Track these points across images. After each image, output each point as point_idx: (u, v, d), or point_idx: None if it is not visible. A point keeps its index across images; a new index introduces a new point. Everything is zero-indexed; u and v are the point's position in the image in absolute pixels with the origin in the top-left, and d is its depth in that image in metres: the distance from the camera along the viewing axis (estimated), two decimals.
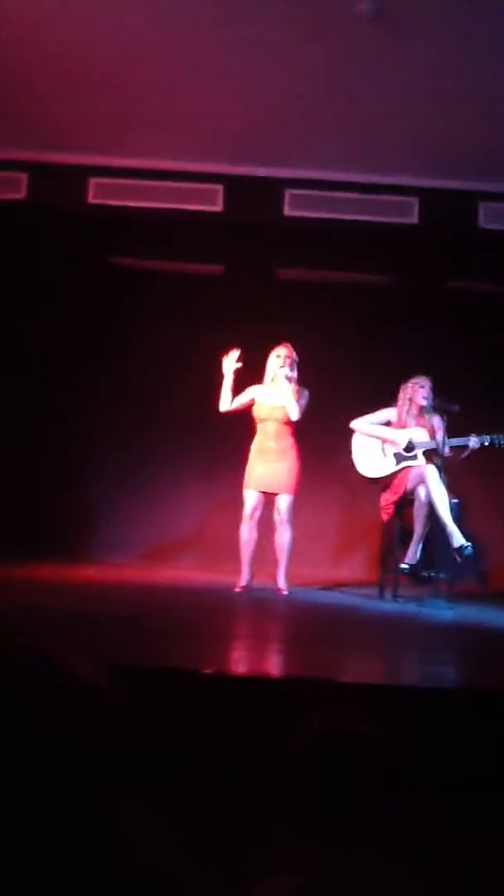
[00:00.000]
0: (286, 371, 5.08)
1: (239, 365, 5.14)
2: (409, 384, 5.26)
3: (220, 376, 5.15)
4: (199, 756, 2.30)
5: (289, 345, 5.18)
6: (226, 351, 5.15)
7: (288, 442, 5.11)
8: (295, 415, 5.03)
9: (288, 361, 5.11)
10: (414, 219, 5.84)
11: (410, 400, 5.24)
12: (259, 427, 5.15)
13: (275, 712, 2.28)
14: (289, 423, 5.09)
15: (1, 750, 0.89)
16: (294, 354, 5.16)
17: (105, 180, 5.73)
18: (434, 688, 2.75)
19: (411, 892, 0.98)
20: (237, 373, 5.14)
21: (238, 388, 5.17)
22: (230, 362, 5.14)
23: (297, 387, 5.07)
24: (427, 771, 2.16)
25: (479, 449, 5.00)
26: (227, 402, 5.16)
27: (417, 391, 5.22)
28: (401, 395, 5.29)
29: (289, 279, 6.67)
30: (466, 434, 5.01)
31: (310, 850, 1.04)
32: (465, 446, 5.00)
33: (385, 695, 2.56)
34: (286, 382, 5.06)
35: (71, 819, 0.89)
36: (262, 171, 5.69)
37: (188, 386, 6.30)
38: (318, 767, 1.11)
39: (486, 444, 4.99)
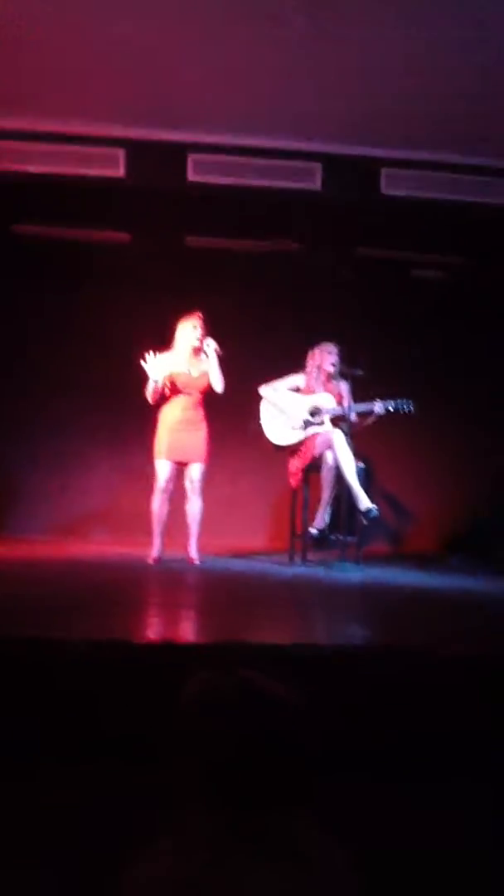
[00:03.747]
0: (212, 343, 5.03)
1: (162, 368, 5.00)
2: (317, 350, 5.31)
3: (145, 379, 4.99)
4: (110, 729, 2.30)
5: (201, 315, 5.13)
6: (141, 354, 4.99)
7: (200, 412, 5.09)
8: (220, 387, 5.01)
9: (201, 332, 5.06)
10: (317, 185, 5.86)
11: (318, 367, 5.29)
12: (173, 397, 5.09)
13: (183, 679, 2.29)
14: (203, 392, 5.06)
15: None
16: (202, 324, 5.12)
17: (1, 143, 5.53)
18: (341, 645, 2.81)
19: (320, 860, 0.99)
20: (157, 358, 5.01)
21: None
22: (153, 364, 4.97)
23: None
24: (336, 732, 2.20)
25: (384, 415, 5.09)
26: (157, 395, 5.07)
27: (325, 357, 5.27)
28: (309, 361, 5.34)
29: (197, 246, 6.59)
30: (372, 399, 5.09)
31: (202, 811, 1.04)
32: (371, 412, 5.09)
33: (294, 654, 2.60)
34: (213, 354, 5.02)
35: None
36: (164, 135, 5.59)
37: (95, 356, 6.18)
38: (206, 726, 1.10)
39: (391, 409, 5.08)
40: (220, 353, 5.05)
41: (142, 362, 4.97)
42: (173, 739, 1.16)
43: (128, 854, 1.05)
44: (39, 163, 5.55)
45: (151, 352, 4.98)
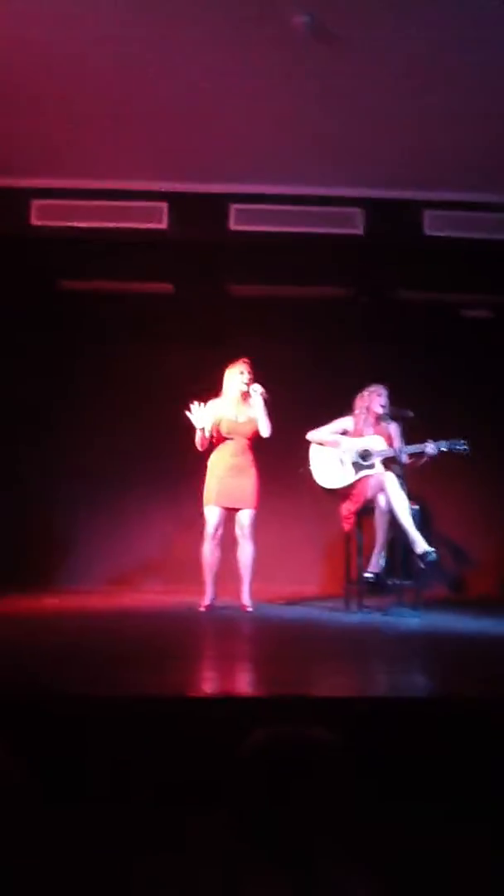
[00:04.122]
0: (258, 387, 5.05)
1: (209, 416, 5.04)
2: (366, 393, 5.27)
3: (192, 428, 5.04)
4: (174, 782, 2.24)
5: (248, 361, 5.16)
6: (186, 405, 5.05)
7: (248, 457, 5.08)
8: (267, 431, 5.01)
9: (248, 378, 5.08)
10: (359, 230, 5.87)
11: (367, 409, 5.24)
12: (221, 443, 5.10)
13: (244, 732, 2.23)
14: (250, 437, 5.07)
15: None
16: (250, 370, 5.15)
17: (47, 202, 5.67)
18: (402, 698, 2.72)
19: None
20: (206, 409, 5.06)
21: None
22: (198, 415, 5.03)
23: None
24: (397, 785, 2.12)
25: (438, 455, 5.01)
26: (206, 443, 5.09)
27: (374, 399, 5.23)
28: (357, 404, 5.29)
29: (240, 295, 6.65)
30: (423, 440, 5.02)
31: (270, 875, 0.99)
32: (422, 453, 5.01)
33: (354, 707, 2.51)
34: (258, 398, 5.02)
35: None
36: (205, 187, 5.68)
37: (145, 407, 6.24)
38: (268, 778, 1.06)
39: (444, 450, 4.99)
40: (266, 397, 5.05)
41: (187, 413, 5.01)
42: (230, 794, 1.12)
43: None
44: (84, 218, 5.67)
45: (196, 402, 5.01)
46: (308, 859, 1.01)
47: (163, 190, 5.69)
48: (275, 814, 1.05)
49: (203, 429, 5.02)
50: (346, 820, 1.07)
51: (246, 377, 5.10)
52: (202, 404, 5.04)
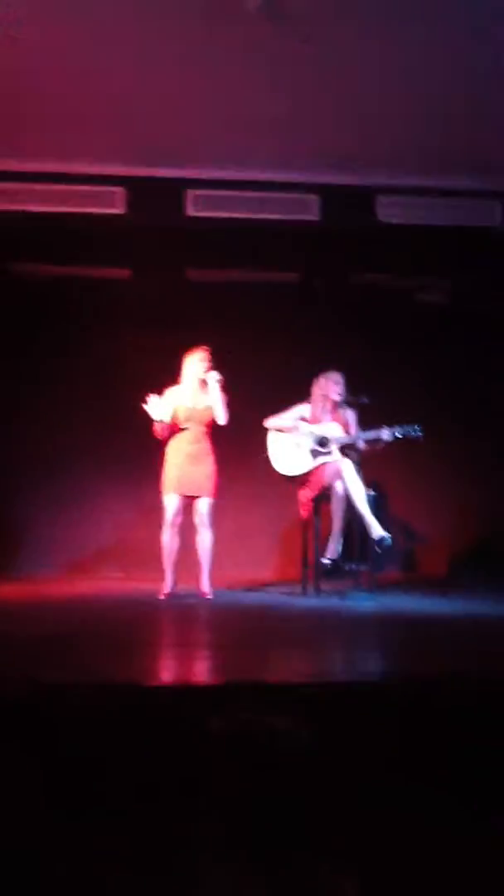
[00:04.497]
0: (215, 375, 5.05)
1: (167, 404, 5.05)
2: (322, 380, 5.31)
3: (151, 420, 5.04)
4: (133, 771, 2.26)
5: (208, 349, 5.16)
6: (145, 389, 5.04)
7: (206, 445, 5.09)
8: (223, 418, 5.02)
9: (207, 365, 5.08)
10: (315, 216, 5.89)
11: (324, 396, 5.28)
12: (179, 431, 5.11)
13: (203, 720, 2.25)
14: (208, 425, 5.07)
15: None
16: (210, 359, 5.15)
17: (2, 185, 5.58)
18: (359, 681, 2.77)
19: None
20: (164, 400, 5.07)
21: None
22: (154, 407, 5.02)
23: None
24: (358, 769, 2.16)
25: (392, 441, 5.07)
26: (165, 432, 5.08)
27: (332, 387, 5.27)
28: (314, 390, 5.34)
29: (198, 280, 6.64)
30: (379, 426, 5.08)
31: (239, 868, 1.02)
32: (379, 439, 5.07)
33: (311, 692, 2.56)
34: (216, 386, 5.03)
35: None
36: (162, 172, 5.65)
37: (103, 392, 6.20)
38: (237, 768, 1.09)
39: (399, 435, 5.06)
40: (223, 382, 5.06)
41: (143, 405, 5.00)
42: (190, 783, 1.14)
43: None
44: (39, 202, 5.60)
45: (152, 394, 5.01)
46: (276, 847, 1.04)
47: (120, 174, 5.64)
48: (242, 802, 1.07)
49: (161, 420, 5.02)
50: (313, 807, 1.10)
51: (205, 365, 5.10)
52: (158, 396, 5.03)
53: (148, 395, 5.03)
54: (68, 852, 1.89)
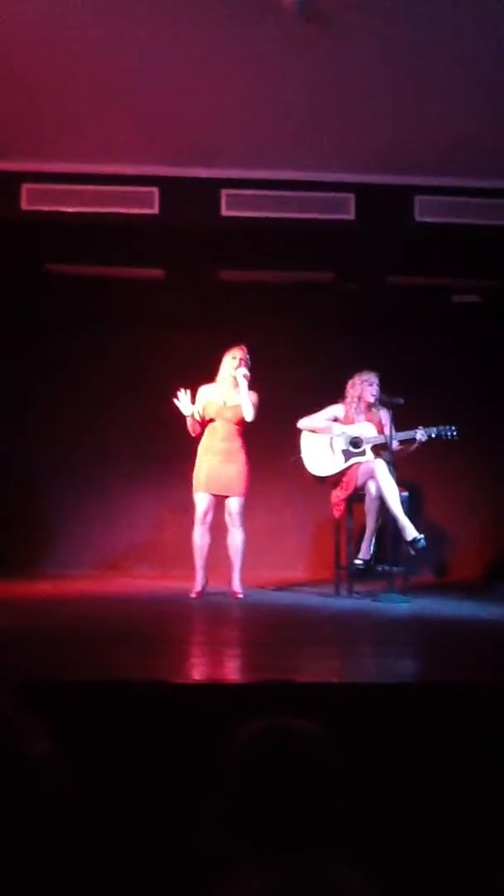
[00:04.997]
0: (243, 370, 5.05)
1: (192, 405, 5.07)
2: (357, 380, 5.28)
3: (181, 415, 5.07)
4: (159, 769, 2.25)
5: (244, 347, 5.16)
6: (175, 389, 5.07)
7: (237, 443, 5.08)
8: (250, 415, 5.01)
9: (243, 363, 5.09)
10: (351, 215, 5.85)
11: (359, 397, 5.25)
12: (208, 426, 5.11)
13: (232, 719, 2.24)
14: (239, 423, 5.06)
15: None
16: (247, 356, 5.15)
17: (38, 186, 5.62)
18: (391, 683, 2.74)
19: None
20: (193, 400, 5.10)
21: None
22: (184, 402, 5.05)
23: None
24: (386, 773, 2.13)
25: (427, 441, 5.03)
26: (197, 428, 5.10)
27: (366, 389, 5.24)
28: (349, 391, 5.30)
29: (231, 280, 6.63)
30: (413, 427, 5.04)
31: (256, 862, 1.00)
32: (413, 440, 5.03)
33: (342, 693, 2.54)
34: (243, 381, 5.03)
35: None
36: (197, 172, 5.64)
37: (135, 391, 6.22)
38: (258, 769, 1.07)
39: (434, 436, 5.02)
40: (248, 377, 5.04)
41: (175, 400, 5.02)
42: (217, 786, 1.13)
43: None
44: (75, 203, 5.62)
45: (182, 389, 5.02)
46: (297, 849, 1.02)
47: (154, 175, 5.64)
48: (264, 805, 1.06)
49: (193, 415, 5.04)
50: (337, 811, 1.08)
51: (237, 362, 5.10)
52: (187, 391, 5.04)
53: (178, 391, 5.04)
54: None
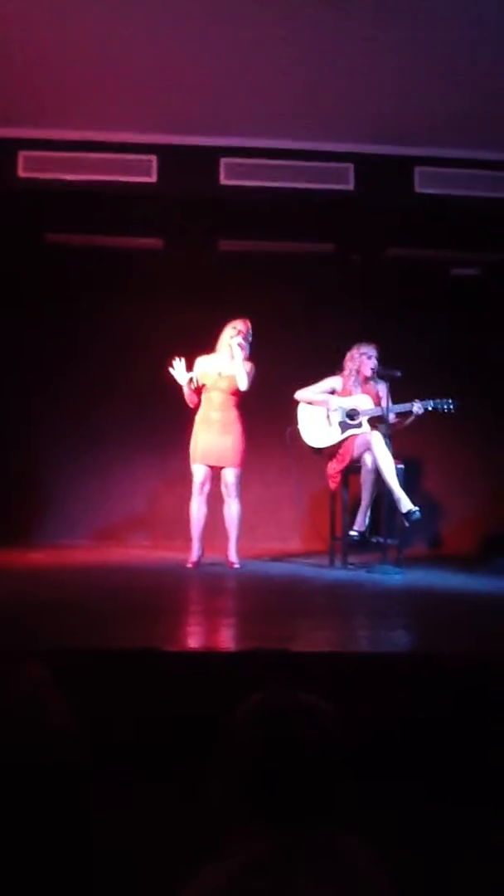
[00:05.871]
0: (238, 339, 5.03)
1: (188, 373, 5.07)
2: (356, 353, 5.27)
3: (178, 385, 5.07)
4: (156, 738, 2.28)
5: (248, 321, 5.14)
6: (168, 361, 5.07)
7: (232, 414, 5.08)
8: (244, 384, 5.00)
9: (241, 335, 5.07)
10: (350, 185, 5.80)
11: (357, 370, 5.25)
12: (204, 396, 5.12)
13: (226, 687, 2.27)
14: (234, 393, 5.06)
15: None
16: (249, 330, 5.13)
17: (35, 153, 5.56)
18: (385, 653, 2.77)
19: (363, 872, 0.97)
20: (190, 369, 5.09)
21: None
22: (180, 371, 5.05)
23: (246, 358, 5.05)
24: (383, 742, 2.16)
25: (424, 414, 5.04)
26: (194, 398, 5.11)
27: (364, 361, 5.23)
28: (347, 363, 5.30)
29: (230, 250, 6.59)
30: (410, 400, 5.04)
31: (257, 829, 1.02)
32: (409, 412, 5.04)
33: (338, 662, 2.56)
34: (238, 351, 5.02)
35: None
36: (195, 140, 5.58)
37: (135, 362, 6.20)
38: (261, 741, 1.09)
39: (430, 409, 5.02)
40: (243, 346, 5.02)
41: (170, 369, 5.02)
42: (217, 756, 1.15)
43: (177, 874, 1.03)
44: (71, 171, 5.57)
45: (177, 358, 5.02)
46: (300, 820, 1.04)
47: (152, 143, 5.59)
48: (269, 777, 1.07)
49: (189, 383, 5.03)
50: (344, 785, 1.09)
51: (234, 332, 5.09)
52: (182, 360, 5.04)
53: (173, 360, 5.03)
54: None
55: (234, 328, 5.11)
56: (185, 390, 5.07)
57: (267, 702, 1.13)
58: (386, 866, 0.99)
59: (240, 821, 1.06)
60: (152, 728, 2.29)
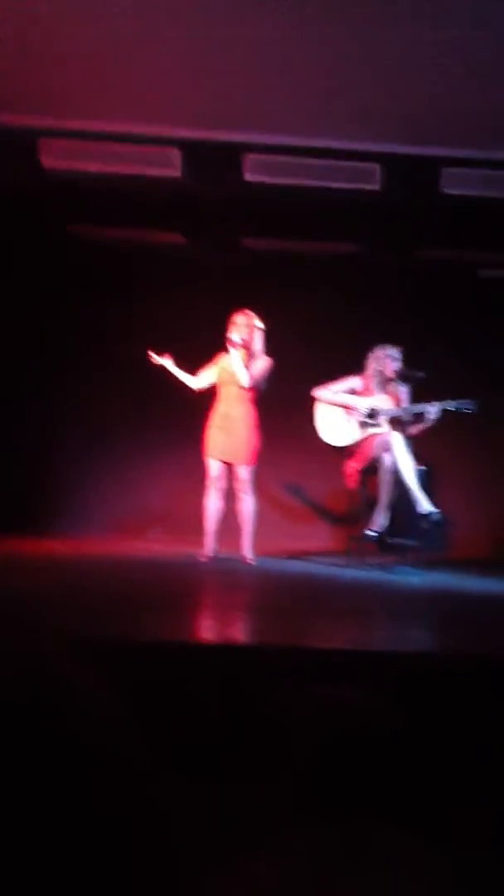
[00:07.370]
0: (233, 336, 4.99)
1: (164, 359, 5.21)
2: (381, 353, 5.22)
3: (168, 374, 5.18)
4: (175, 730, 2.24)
5: (249, 312, 5.10)
6: (194, 358, 5.17)
7: (243, 409, 5.03)
8: (244, 380, 4.95)
9: (244, 329, 5.02)
10: (376, 185, 5.75)
11: (381, 371, 5.20)
12: (219, 392, 5.09)
13: (245, 681, 2.23)
14: (248, 389, 5.02)
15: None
16: (253, 321, 5.08)
17: (59, 142, 5.54)
18: (407, 652, 2.72)
19: (416, 869, 0.93)
20: (173, 358, 5.21)
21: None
22: (157, 360, 5.20)
23: (251, 353, 4.99)
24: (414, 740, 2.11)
25: (443, 415, 4.98)
26: (193, 382, 5.08)
27: (388, 363, 5.19)
28: (370, 363, 5.25)
29: (253, 248, 6.56)
30: (429, 401, 4.99)
31: (307, 826, 0.99)
32: (428, 413, 4.98)
33: (355, 659, 2.52)
34: (232, 347, 4.98)
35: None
36: (220, 135, 5.55)
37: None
38: (322, 739, 1.06)
39: (451, 409, 4.96)
40: (235, 343, 4.98)
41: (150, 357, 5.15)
42: (267, 751, 1.11)
43: (221, 871, 1.00)
44: (94, 162, 5.55)
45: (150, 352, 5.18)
46: (355, 818, 1.01)
47: (177, 136, 5.56)
48: (328, 774, 1.04)
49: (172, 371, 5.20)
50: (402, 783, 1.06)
51: (237, 326, 5.04)
52: (158, 356, 5.21)
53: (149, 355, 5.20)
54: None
55: (235, 322, 5.07)
56: (177, 374, 5.16)
57: (327, 701, 1.10)
58: (442, 866, 0.95)
59: (287, 816, 1.02)
60: (185, 722, 2.26)
